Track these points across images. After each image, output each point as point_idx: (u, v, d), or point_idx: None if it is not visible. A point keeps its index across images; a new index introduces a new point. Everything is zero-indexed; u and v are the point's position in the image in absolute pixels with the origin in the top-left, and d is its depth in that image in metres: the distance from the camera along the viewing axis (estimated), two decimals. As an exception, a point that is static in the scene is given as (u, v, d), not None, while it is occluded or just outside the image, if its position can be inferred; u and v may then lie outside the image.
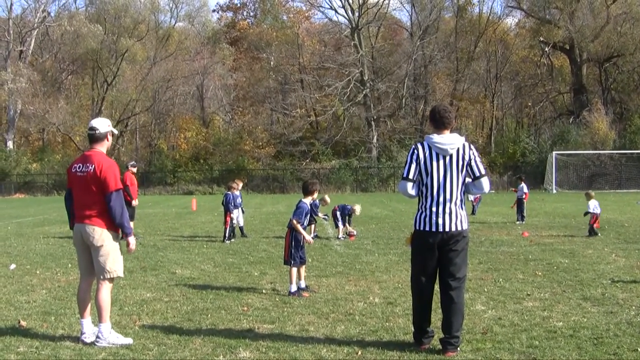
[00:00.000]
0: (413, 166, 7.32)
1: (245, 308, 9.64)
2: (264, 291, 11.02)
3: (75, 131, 76.81)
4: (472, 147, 7.46)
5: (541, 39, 73.48)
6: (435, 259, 7.38)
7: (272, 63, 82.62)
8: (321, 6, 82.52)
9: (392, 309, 9.44)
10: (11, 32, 78.54)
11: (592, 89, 74.53)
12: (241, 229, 20.64)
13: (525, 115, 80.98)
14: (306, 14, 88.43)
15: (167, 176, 73.00)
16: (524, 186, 25.22)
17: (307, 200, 11.19)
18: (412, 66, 74.63)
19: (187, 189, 69.44)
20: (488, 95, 78.24)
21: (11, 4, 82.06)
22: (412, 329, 7.69)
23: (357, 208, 20.78)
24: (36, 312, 9.53)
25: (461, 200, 7.38)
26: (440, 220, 7.27)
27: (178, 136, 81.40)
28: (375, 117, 72.55)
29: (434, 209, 7.30)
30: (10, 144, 76.86)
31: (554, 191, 55.55)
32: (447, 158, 7.26)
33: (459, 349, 7.26)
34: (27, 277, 12.84)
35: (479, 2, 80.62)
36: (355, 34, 73.43)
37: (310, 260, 13.70)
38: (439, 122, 7.40)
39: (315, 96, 74.20)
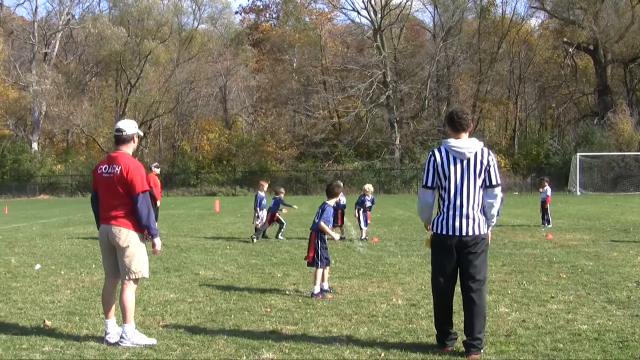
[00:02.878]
0: (431, 172, 7.33)
1: (268, 309, 9.65)
2: (287, 292, 11.03)
3: (99, 133, 77.37)
4: (491, 153, 7.37)
5: (565, 39, 73.10)
6: (453, 261, 7.36)
7: (294, 65, 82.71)
8: (343, 8, 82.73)
9: (415, 311, 9.41)
10: (36, 34, 79.19)
11: (617, 89, 74.03)
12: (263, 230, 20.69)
13: (549, 117, 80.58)
14: (328, 16, 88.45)
15: (190, 177, 73.28)
16: (548, 188, 25.03)
17: (332, 202, 11.32)
18: (434, 67, 74.48)
19: (210, 190, 69.68)
20: (511, 96, 77.90)
21: (36, 7, 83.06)
22: (435, 332, 7.68)
23: (367, 186, 20.64)
24: (61, 312, 9.58)
25: (480, 204, 7.31)
26: (457, 224, 7.26)
27: (201, 138, 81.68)
28: (397, 119, 72.45)
29: (451, 212, 7.29)
30: (35, 145, 77.45)
31: (578, 193, 55.21)
32: (465, 162, 7.22)
33: (482, 351, 7.24)
34: (52, 277, 12.92)
35: (502, 3, 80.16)
36: (378, 36, 73.38)
37: (333, 261, 13.69)
38: (456, 125, 7.35)
39: (337, 98, 74.24)
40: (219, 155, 77.55)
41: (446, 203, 7.33)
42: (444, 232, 7.33)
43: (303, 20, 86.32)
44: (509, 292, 10.78)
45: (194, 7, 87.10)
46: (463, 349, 7.29)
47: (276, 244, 18.64)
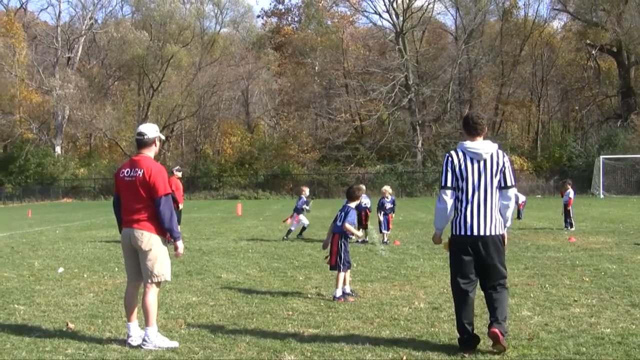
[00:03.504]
0: (449, 174, 7.50)
1: (290, 312, 9.67)
2: (309, 295, 11.04)
3: (122, 136, 77.78)
4: (505, 155, 7.56)
5: (588, 41, 72.71)
6: (472, 261, 7.48)
7: (316, 68, 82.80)
8: (365, 11, 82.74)
9: (438, 314, 9.39)
10: (59, 39, 79.74)
11: (640, 91, 73.62)
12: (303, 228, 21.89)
13: (571, 119, 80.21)
14: (350, 19, 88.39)
15: (213, 181, 73.47)
16: (570, 191, 24.88)
17: (353, 205, 11.38)
18: (457, 70, 74.33)
19: (232, 193, 69.85)
20: (534, 99, 77.63)
21: (59, 12, 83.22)
22: (457, 334, 7.67)
23: (385, 188, 20.68)
24: (84, 315, 9.65)
25: (497, 204, 7.46)
26: (475, 224, 7.41)
27: (223, 141, 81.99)
28: (420, 122, 72.34)
29: (469, 212, 7.44)
30: (58, 149, 77.97)
31: (601, 196, 54.84)
32: (482, 163, 7.42)
33: (504, 336, 7.30)
34: (75, 280, 13.01)
35: (524, 5, 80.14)
36: (400, 39, 73.25)
37: (355, 265, 13.71)
38: (472, 129, 7.56)
39: (359, 101, 74.21)
40: (241, 158, 77.74)
41: (464, 204, 7.48)
42: (462, 233, 7.48)
43: (325, 23, 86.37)
44: (532, 295, 10.73)
45: (216, 11, 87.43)
46: (487, 350, 7.27)
47: (298, 247, 18.64)
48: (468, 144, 7.49)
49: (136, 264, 7.99)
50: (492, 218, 7.40)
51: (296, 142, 77.15)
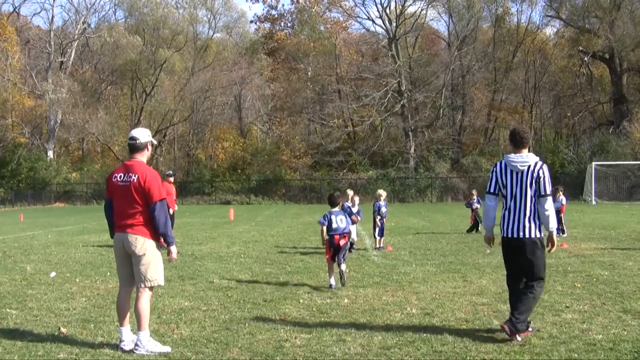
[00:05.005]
0: (493, 181, 8.53)
1: (283, 317, 9.69)
2: (301, 301, 11.05)
3: (114, 141, 77.61)
4: (544, 167, 8.34)
5: (580, 48, 72.82)
6: (515, 261, 8.45)
7: (309, 73, 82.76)
8: (358, 17, 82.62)
9: (430, 320, 9.42)
10: (52, 43, 79.61)
11: (633, 98, 73.64)
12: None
13: (564, 126, 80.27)
14: (343, 25, 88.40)
15: (205, 186, 73.38)
16: (562, 198, 24.91)
17: (336, 209, 12.98)
18: (449, 76, 74.38)
19: (224, 198, 69.82)
20: (526, 105, 77.71)
21: (52, 16, 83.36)
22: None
23: (380, 191, 20.52)
24: (76, 320, 9.65)
25: (533, 211, 8.24)
26: (512, 228, 8.30)
27: (216, 146, 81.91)
28: (412, 128, 72.36)
29: (509, 217, 8.35)
30: (50, 153, 77.82)
31: (594, 202, 54.91)
32: (520, 174, 8.28)
33: (516, 328, 8.02)
34: (67, 285, 13.00)
35: (517, 11, 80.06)
36: (393, 44, 73.32)
37: (347, 270, 13.71)
38: (518, 142, 8.44)
39: (352, 106, 74.13)
40: (234, 163, 77.67)
41: (504, 210, 8.43)
42: (504, 235, 8.44)
43: (318, 29, 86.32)
44: (524, 301, 10.75)
45: (209, 16, 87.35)
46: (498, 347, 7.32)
47: (290, 253, 18.64)
48: (511, 156, 8.39)
49: (129, 269, 8.00)
50: (528, 222, 8.22)
51: (289, 148, 77.09)
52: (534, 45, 77.13)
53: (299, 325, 9.17)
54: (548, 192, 8.23)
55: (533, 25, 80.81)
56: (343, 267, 12.49)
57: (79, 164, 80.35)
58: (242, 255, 18.07)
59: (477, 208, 25.26)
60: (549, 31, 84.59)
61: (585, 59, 73.67)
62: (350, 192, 19.69)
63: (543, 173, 8.24)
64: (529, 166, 8.24)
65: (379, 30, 79.71)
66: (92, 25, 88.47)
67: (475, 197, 26.21)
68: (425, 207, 54.81)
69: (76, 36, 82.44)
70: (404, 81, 73.26)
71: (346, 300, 11.00)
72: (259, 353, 7.68)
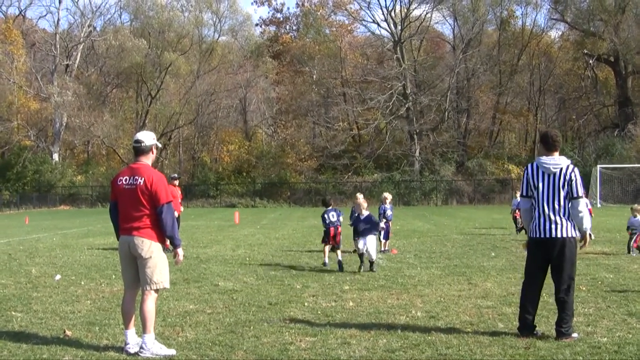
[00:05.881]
0: (524, 184, 8.77)
1: (288, 320, 9.67)
2: (305, 304, 11.04)
3: (120, 144, 77.71)
4: (575, 169, 8.62)
5: (585, 51, 72.82)
6: (541, 261, 8.66)
7: (314, 76, 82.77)
8: (364, 20, 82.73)
9: (435, 323, 9.41)
10: (58, 46, 79.79)
11: (638, 101, 73.62)
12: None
13: (569, 129, 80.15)
14: (349, 28, 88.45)
15: (210, 189, 73.42)
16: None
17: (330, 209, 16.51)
18: (454, 79, 74.45)
19: (229, 201, 69.89)
20: (531, 108, 77.69)
21: (58, 19, 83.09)
22: (518, 323, 8.80)
23: (386, 194, 20.32)
24: (81, 322, 9.64)
25: (566, 211, 8.47)
26: (546, 228, 8.46)
27: (221, 149, 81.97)
28: (417, 131, 72.40)
29: (540, 218, 8.53)
30: (55, 156, 77.94)
31: (599, 205, 54.80)
32: (552, 176, 8.51)
33: (573, 335, 8.34)
34: (72, 287, 13.00)
35: (522, 14, 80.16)
36: (398, 47, 73.35)
37: (352, 273, 13.71)
38: (550, 145, 8.72)
39: (357, 109, 74.23)
40: (239, 166, 77.78)
41: (537, 210, 8.60)
42: (535, 236, 8.60)
43: (323, 32, 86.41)
44: (529, 304, 10.74)
45: (214, 19, 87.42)
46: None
47: (295, 256, 18.63)
48: (543, 158, 8.64)
49: (134, 272, 8.00)
50: (561, 223, 8.44)
51: (294, 151, 77.16)
52: (539, 48, 77.16)
53: (304, 328, 9.15)
54: (580, 194, 8.47)
55: (538, 28, 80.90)
56: (339, 253, 15.92)
57: (84, 166, 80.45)
58: (247, 258, 18.06)
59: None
60: (554, 34, 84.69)
61: (590, 61, 73.67)
62: (359, 197, 19.50)
63: (575, 176, 8.51)
64: (561, 168, 8.50)
65: (384, 33, 79.82)
66: (98, 28, 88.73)
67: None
68: (430, 210, 54.78)
69: (82, 39, 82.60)
70: (409, 84, 73.30)
71: (351, 303, 10.99)
72: (263, 356, 7.68)
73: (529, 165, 8.79)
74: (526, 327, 8.62)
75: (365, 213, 15.82)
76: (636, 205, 20.32)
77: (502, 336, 8.50)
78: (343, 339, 8.46)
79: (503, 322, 9.36)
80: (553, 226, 8.41)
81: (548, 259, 8.58)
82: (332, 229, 16.15)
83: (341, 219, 16.53)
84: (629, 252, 18.17)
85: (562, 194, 8.44)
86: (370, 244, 15.01)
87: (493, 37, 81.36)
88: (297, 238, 25.18)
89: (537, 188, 8.56)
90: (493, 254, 18.18)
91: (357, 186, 65.33)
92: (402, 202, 65.37)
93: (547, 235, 8.44)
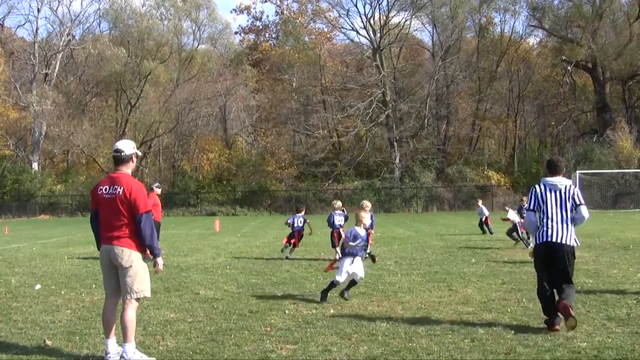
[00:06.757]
0: (533, 199, 10.08)
1: (268, 329, 9.67)
2: (286, 312, 11.04)
3: (99, 153, 77.42)
4: (575, 187, 10.10)
5: (563, 57, 73.19)
6: (547, 265, 9.80)
7: (294, 84, 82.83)
8: (343, 27, 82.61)
9: (416, 330, 9.42)
10: (37, 55, 79.57)
11: (616, 107, 74.16)
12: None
13: (548, 135, 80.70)
14: (328, 35, 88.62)
15: (190, 197, 73.22)
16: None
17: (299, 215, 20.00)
18: (434, 86, 74.73)
19: (210, 210, 69.74)
20: (511, 114, 78.13)
21: (37, 28, 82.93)
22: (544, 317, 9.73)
23: (366, 202, 19.85)
24: (61, 332, 9.61)
25: (570, 221, 9.82)
26: (553, 234, 9.68)
27: (201, 157, 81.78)
28: (397, 138, 72.52)
29: (548, 227, 9.75)
30: (35, 165, 77.57)
31: (578, 211, 54.99)
32: (558, 192, 9.91)
33: (571, 309, 9.05)
34: (52, 297, 12.94)
35: (500, 21, 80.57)
36: (377, 55, 73.54)
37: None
38: (554, 169, 10.18)
39: (337, 117, 74.22)
40: (219, 175, 77.65)
41: (545, 220, 9.83)
42: (542, 241, 9.78)
43: (302, 40, 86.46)
44: (509, 310, 10.81)
45: (194, 27, 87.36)
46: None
47: (276, 264, 18.62)
48: (549, 179, 10.08)
49: (115, 281, 7.99)
50: (566, 231, 9.72)
51: (274, 159, 77.20)
52: (518, 55, 77.69)
53: (285, 335, 9.16)
54: (583, 201, 9.90)
55: (516, 35, 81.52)
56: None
57: (64, 175, 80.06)
58: (228, 267, 18.04)
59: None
60: (532, 41, 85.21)
61: (569, 68, 74.09)
62: (338, 203, 19.76)
63: (576, 190, 10.01)
64: (565, 186, 9.93)
65: (363, 40, 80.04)
66: (77, 37, 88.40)
67: None
68: (410, 217, 54.88)
69: (60, 48, 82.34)
70: (388, 91, 73.42)
71: (332, 311, 11.00)
72: (245, 364, 7.67)
73: (537, 185, 10.21)
74: (552, 317, 9.41)
75: (361, 230, 12.33)
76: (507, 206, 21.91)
77: (483, 342, 8.53)
78: (324, 346, 8.48)
79: (483, 327, 9.40)
80: (561, 233, 9.68)
81: (552, 261, 9.74)
82: (297, 232, 20.08)
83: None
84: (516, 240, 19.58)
85: (569, 205, 9.81)
86: (358, 266, 12.12)
87: (472, 44, 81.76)
88: (278, 246, 25.11)
89: (545, 202, 9.88)
90: (473, 260, 18.24)
91: (337, 193, 65.38)
92: (383, 209, 65.43)
93: (557, 240, 9.63)
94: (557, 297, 9.55)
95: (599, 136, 68.00)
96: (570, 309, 9.09)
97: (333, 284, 11.93)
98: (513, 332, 9.13)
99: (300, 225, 20.09)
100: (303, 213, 20.91)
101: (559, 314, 9.30)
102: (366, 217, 12.55)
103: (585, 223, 10.17)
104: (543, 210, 9.92)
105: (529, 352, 8.01)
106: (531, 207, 10.10)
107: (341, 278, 11.92)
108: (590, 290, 12.55)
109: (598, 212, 51.46)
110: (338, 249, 16.97)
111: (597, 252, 20.08)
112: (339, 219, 19.11)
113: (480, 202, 32.81)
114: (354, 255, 12.05)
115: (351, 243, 12.08)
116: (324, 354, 8.09)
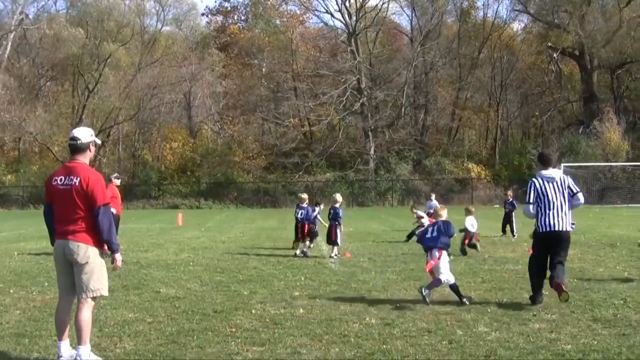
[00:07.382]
0: (532, 192, 11.55)
1: (234, 329, 9.65)
2: (253, 311, 11.01)
3: (54, 141, 76.67)
4: (568, 177, 11.77)
5: (549, 44, 73.60)
6: (546, 249, 11.51)
7: (264, 70, 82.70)
8: (316, 10, 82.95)
9: (390, 331, 9.44)
10: (-14, 35, 78.66)
11: (604, 97, 74.68)
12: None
13: (532, 125, 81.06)
14: (300, 18, 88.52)
15: (152, 189, 72.91)
16: (513, 201, 25.73)
17: None
18: (412, 73, 74.82)
19: (172, 202, 69.42)
20: (492, 104, 78.40)
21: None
22: (530, 293, 11.62)
23: (337, 196, 20.33)
24: (9, 334, 9.49)
25: (568, 209, 11.47)
26: (555, 223, 11.29)
27: (164, 147, 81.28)
28: (372, 127, 72.61)
29: (549, 215, 11.33)
30: (-17, 154, 76.80)
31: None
32: (555, 183, 11.48)
33: (563, 286, 10.88)
34: (0, 296, 12.81)
35: (483, 5, 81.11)
36: (352, 39, 73.59)
37: (302, 278, 13.74)
38: (546, 162, 11.71)
39: (309, 105, 74.21)
40: (183, 165, 77.33)
41: (545, 210, 11.39)
42: (543, 230, 11.38)
43: (273, 23, 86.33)
44: (489, 310, 10.85)
45: (157, 8, 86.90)
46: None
47: (242, 260, 18.58)
48: (544, 172, 11.58)
49: (70, 278, 7.89)
50: (564, 219, 11.33)
51: (241, 148, 77.00)
52: (501, 41, 77.93)
53: (252, 337, 9.14)
54: (579, 189, 11.69)
55: (500, 20, 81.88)
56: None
57: (15, 165, 79.22)
58: (191, 263, 17.98)
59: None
60: (517, 26, 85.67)
61: (555, 55, 74.39)
62: (303, 196, 20.21)
63: (569, 180, 11.62)
64: (560, 177, 11.53)
65: (338, 24, 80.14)
66: (31, 16, 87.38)
67: None
68: (385, 210, 55.01)
69: (12, 27, 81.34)
70: (363, 78, 73.53)
71: (301, 310, 10.99)
72: (208, 367, 7.65)
73: (535, 179, 11.62)
74: (537, 294, 11.36)
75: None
76: (470, 206, 22.00)
77: (462, 344, 8.56)
78: (293, 348, 8.47)
79: (462, 328, 9.43)
80: (562, 221, 11.27)
81: (552, 246, 11.42)
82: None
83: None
84: (463, 254, 19.17)
85: (566, 194, 11.42)
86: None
87: (453, 29, 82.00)
88: (245, 241, 25.13)
89: (546, 194, 11.38)
90: (452, 257, 18.32)
91: (308, 186, 65.39)
92: (356, 203, 65.61)
93: (559, 229, 11.25)
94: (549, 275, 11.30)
95: (585, 127, 68.32)
96: (563, 285, 10.88)
97: (451, 286, 11.90)
98: (494, 333, 9.17)
99: (311, 216, 20.42)
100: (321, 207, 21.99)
101: (544, 292, 11.38)
102: (443, 214, 13.14)
103: (574, 211, 11.71)
104: (544, 202, 11.39)
105: (510, 354, 8.05)
106: (531, 200, 11.54)
107: (444, 275, 11.93)
108: (574, 290, 12.60)
109: (583, 208, 51.80)
110: (308, 243, 19.19)
111: (582, 250, 20.24)
112: (301, 212, 20.35)
113: (433, 196, 31.71)
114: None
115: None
116: (293, 356, 8.09)
